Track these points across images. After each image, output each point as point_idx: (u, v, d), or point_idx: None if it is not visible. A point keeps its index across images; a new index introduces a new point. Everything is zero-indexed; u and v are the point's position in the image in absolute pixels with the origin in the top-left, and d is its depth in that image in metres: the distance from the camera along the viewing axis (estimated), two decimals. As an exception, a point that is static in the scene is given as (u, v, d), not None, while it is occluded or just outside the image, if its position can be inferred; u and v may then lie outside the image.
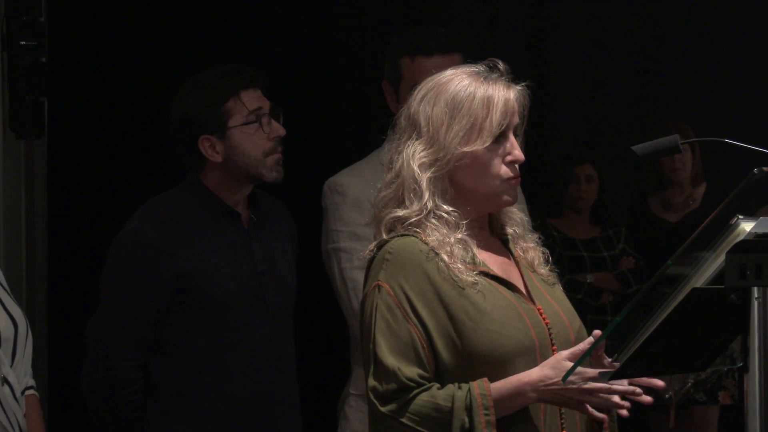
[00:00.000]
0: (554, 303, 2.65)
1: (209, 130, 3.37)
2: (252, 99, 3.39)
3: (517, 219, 2.73)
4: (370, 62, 4.03)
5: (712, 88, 6.45)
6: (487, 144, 2.55)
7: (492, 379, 2.49)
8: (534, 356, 2.54)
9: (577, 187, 6.05)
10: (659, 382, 2.58)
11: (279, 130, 3.43)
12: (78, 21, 5.56)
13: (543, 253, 2.75)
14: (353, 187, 3.51)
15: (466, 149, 2.54)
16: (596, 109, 6.60)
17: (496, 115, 2.55)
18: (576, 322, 2.67)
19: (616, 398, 2.52)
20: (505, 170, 2.58)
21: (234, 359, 3.36)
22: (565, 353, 2.48)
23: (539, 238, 2.77)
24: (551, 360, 2.51)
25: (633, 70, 6.55)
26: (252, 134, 3.39)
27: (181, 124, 3.40)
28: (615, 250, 6.02)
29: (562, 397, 2.49)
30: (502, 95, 2.57)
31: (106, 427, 3.44)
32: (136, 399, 3.36)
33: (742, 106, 6.42)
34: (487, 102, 2.55)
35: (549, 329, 2.58)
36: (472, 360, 2.50)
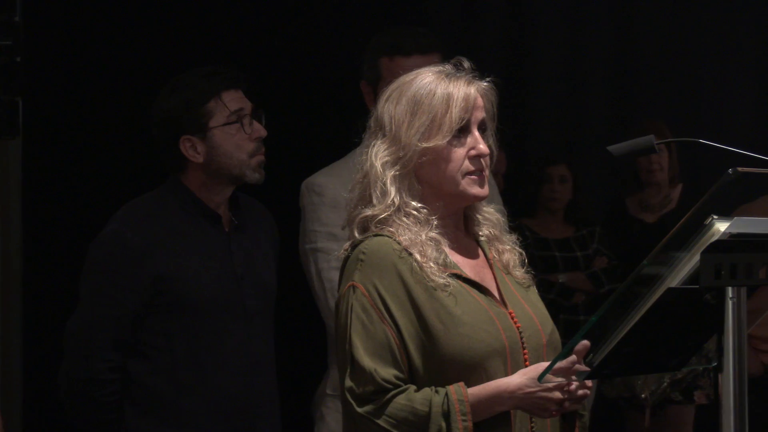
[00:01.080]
0: (527, 306, 2.66)
1: (190, 131, 3.36)
2: (233, 100, 3.39)
3: (493, 220, 2.73)
4: (350, 62, 4.03)
5: (688, 88, 6.48)
6: (447, 139, 2.56)
7: (463, 382, 2.50)
8: (504, 360, 2.54)
9: (551, 188, 6.07)
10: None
11: (260, 131, 3.43)
12: (54, 20, 5.54)
13: (519, 254, 2.75)
14: (331, 187, 3.51)
15: (426, 145, 2.56)
16: (574, 110, 6.62)
17: (455, 110, 2.56)
18: (548, 325, 2.67)
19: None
20: (467, 164, 2.59)
21: (211, 362, 3.36)
22: (545, 364, 2.49)
23: (516, 240, 2.78)
24: (531, 368, 2.51)
25: (610, 71, 6.57)
26: (233, 135, 3.38)
27: (161, 124, 3.39)
28: (588, 250, 6.03)
29: (539, 404, 2.50)
30: (463, 91, 2.58)
31: (83, 428, 3.43)
32: (114, 400, 3.35)
33: (718, 107, 6.44)
34: (447, 98, 2.56)
35: (520, 333, 2.59)
36: (443, 363, 2.51)
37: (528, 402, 2.49)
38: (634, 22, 6.56)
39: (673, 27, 6.48)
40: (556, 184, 6.07)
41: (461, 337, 2.51)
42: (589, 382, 2.53)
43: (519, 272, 2.73)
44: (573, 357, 2.41)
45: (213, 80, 3.38)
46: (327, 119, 5.82)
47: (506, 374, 2.53)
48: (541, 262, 5.91)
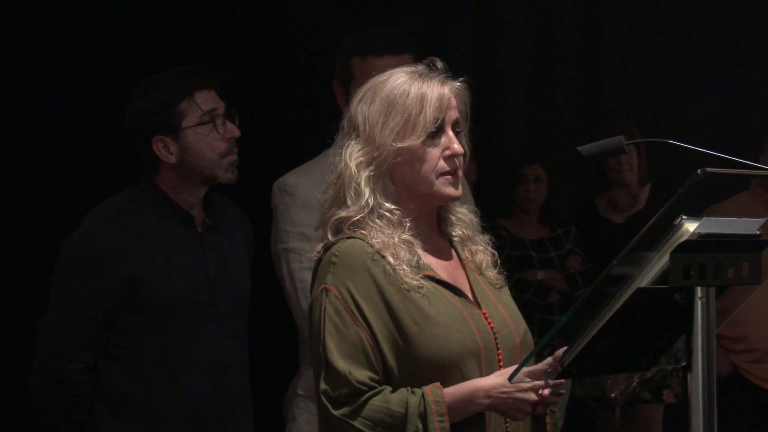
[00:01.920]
0: (500, 307, 2.67)
1: (163, 131, 3.36)
2: (206, 100, 3.38)
3: (466, 220, 2.74)
4: (322, 63, 4.03)
5: (656, 89, 6.51)
6: (422, 139, 2.56)
7: (439, 383, 2.50)
8: (479, 361, 2.55)
9: (526, 188, 6.08)
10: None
11: (234, 131, 3.42)
12: (25, 18, 5.52)
13: (492, 255, 2.76)
14: (302, 187, 3.51)
15: (401, 145, 2.56)
16: (544, 111, 6.64)
17: (429, 111, 2.56)
18: (521, 326, 2.68)
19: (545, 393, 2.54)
20: (442, 164, 2.59)
21: (183, 363, 3.35)
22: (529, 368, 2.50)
23: (489, 240, 2.79)
24: (506, 370, 2.52)
25: (579, 72, 6.59)
26: (206, 135, 3.38)
27: (134, 125, 3.39)
28: (563, 250, 6.04)
29: (513, 405, 2.51)
30: (437, 91, 2.58)
31: (53, 429, 3.42)
32: (84, 401, 3.34)
33: (686, 108, 6.48)
34: (421, 98, 2.56)
35: (494, 334, 2.60)
36: (417, 364, 2.51)
37: (503, 402, 2.50)
38: (602, 24, 6.58)
39: (641, 28, 6.51)
40: (531, 184, 6.08)
41: (436, 338, 2.51)
42: (564, 384, 2.55)
43: (491, 273, 2.73)
44: (549, 359, 2.43)
45: (186, 80, 3.38)
46: (299, 119, 5.83)
47: (481, 375, 2.54)
48: (518, 260, 5.92)
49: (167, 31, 5.66)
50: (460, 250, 2.71)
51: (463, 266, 2.70)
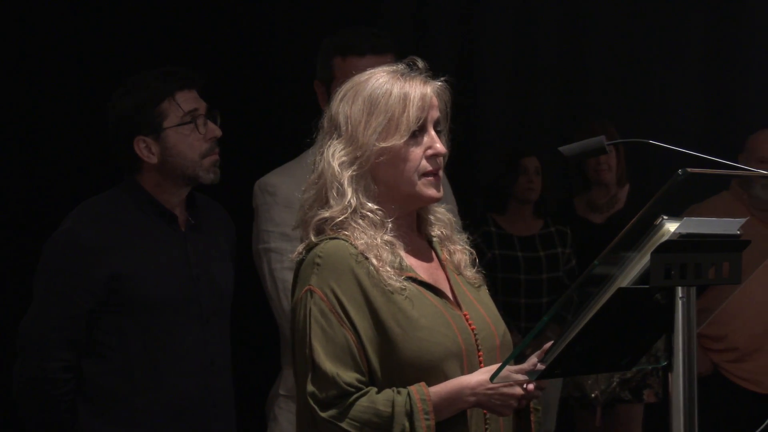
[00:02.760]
0: (480, 308, 2.67)
1: (144, 131, 3.36)
2: (187, 100, 3.38)
3: (444, 220, 2.74)
4: (304, 62, 4.03)
5: (637, 89, 6.52)
6: (405, 138, 2.56)
7: (424, 382, 2.51)
8: (461, 362, 2.56)
9: (528, 178, 6.00)
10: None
11: (215, 131, 3.42)
12: (5, 18, 5.50)
13: (470, 254, 2.77)
14: (284, 187, 3.51)
15: (384, 145, 2.56)
16: (524, 111, 6.64)
17: (412, 110, 2.56)
18: (501, 326, 2.69)
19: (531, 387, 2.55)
20: (425, 164, 2.59)
21: (166, 362, 3.35)
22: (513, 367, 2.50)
23: (467, 239, 2.79)
24: (491, 367, 2.52)
25: (560, 73, 6.60)
26: (187, 135, 3.38)
27: (116, 125, 3.38)
28: (555, 250, 6.01)
29: (499, 401, 2.52)
30: (419, 90, 2.58)
31: (36, 428, 3.41)
32: (67, 399, 3.34)
33: (666, 108, 6.49)
34: (404, 98, 2.56)
35: (475, 335, 2.61)
36: (400, 366, 2.52)
37: (489, 399, 2.51)
38: (582, 25, 6.59)
39: (622, 29, 6.52)
40: (532, 175, 6.00)
41: (419, 341, 2.52)
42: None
43: (470, 272, 2.74)
44: (534, 360, 2.43)
45: (167, 81, 3.37)
46: (281, 119, 5.82)
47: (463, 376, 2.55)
48: (502, 262, 5.86)
49: (149, 30, 5.65)
50: (439, 251, 2.72)
51: (443, 267, 2.70)
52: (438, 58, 6.18)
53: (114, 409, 3.34)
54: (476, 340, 2.60)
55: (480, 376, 2.52)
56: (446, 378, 2.53)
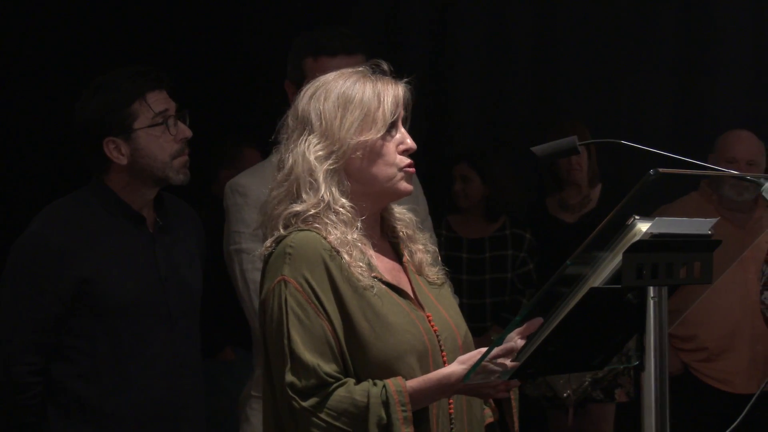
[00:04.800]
0: (441, 308, 2.69)
1: (114, 132, 3.33)
2: (158, 101, 3.36)
3: (406, 219, 2.76)
4: (275, 62, 4.02)
5: (608, 90, 6.55)
6: (382, 132, 2.60)
7: (401, 376, 2.52)
8: (427, 362, 2.57)
9: (456, 187, 6.05)
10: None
11: (185, 131, 3.41)
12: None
13: (433, 252, 2.79)
14: (254, 188, 3.49)
15: (361, 139, 2.58)
16: (496, 112, 6.66)
17: (387, 105, 2.60)
18: (462, 326, 2.72)
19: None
20: (400, 158, 2.63)
21: (135, 365, 3.34)
22: (483, 349, 2.50)
23: (430, 237, 2.81)
24: (468, 356, 2.53)
25: (532, 74, 6.62)
26: (158, 136, 3.36)
27: (85, 125, 3.36)
28: (505, 252, 6.02)
29: (476, 388, 2.54)
30: (391, 88, 2.63)
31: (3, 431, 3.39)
32: (35, 403, 3.32)
33: (637, 109, 6.52)
34: (378, 94, 2.61)
35: (438, 336, 2.62)
36: (368, 362, 2.52)
37: (468, 388, 2.53)
38: (555, 26, 6.61)
39: (594, 30, 6.54)
40: (458, 183, 6.04)
41: (387, 338, 2.53)
42: None
43: (432, 271, 2.76)
44: (511, 344, 2.43)
45: (137, 81, 3.35)
46: (251, 119, 5.81)
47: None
48: (445, 262, 5.86)
49: (117, 29, 5.63)
50: (401, 252, 2.73)
51: (404, 268, 2.72)
52: (410, 58, 6.19)
53: (83, 412, 3.32)
54: (439, 341, 2.62)
55: (455, 365, 2.52)
56: (413, 375, 2.54)
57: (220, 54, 5.93)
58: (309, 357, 2.49)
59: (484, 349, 2.46)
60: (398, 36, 6.43)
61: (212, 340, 4.70)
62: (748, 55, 6.46)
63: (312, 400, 2.48)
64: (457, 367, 2.52)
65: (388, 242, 2.74)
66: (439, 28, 6.57)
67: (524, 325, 2.39)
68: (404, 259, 2.72)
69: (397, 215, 2.75)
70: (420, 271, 2.74)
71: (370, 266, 2.59)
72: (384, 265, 2.66)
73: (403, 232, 2.74)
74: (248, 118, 5.85)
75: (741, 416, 2.43)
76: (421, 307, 2.65)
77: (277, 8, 6.06)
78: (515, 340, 2.41)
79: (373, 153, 2.60)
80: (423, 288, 2.70)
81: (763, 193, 2.37)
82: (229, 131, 5.79)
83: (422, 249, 2.76)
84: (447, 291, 2.78)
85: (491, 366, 2.46)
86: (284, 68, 3.61)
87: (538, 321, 2.38)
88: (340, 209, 2.57)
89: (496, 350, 2.42)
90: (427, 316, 2.63)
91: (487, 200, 6.03)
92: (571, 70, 6.56)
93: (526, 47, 6.61)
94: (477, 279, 5.93)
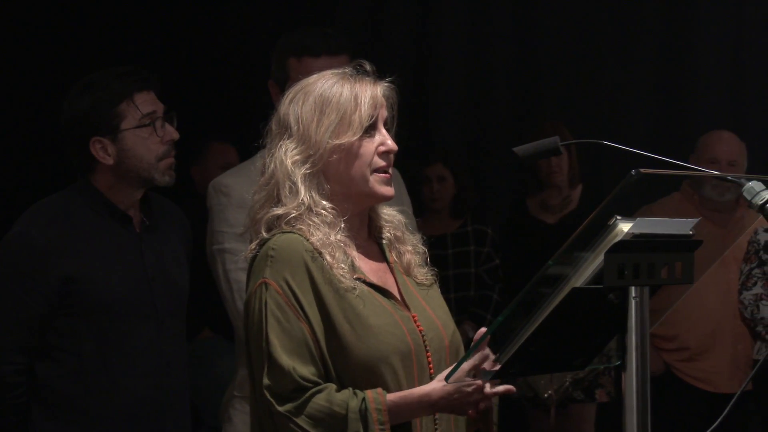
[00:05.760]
0: (429, 309, 2.69)
1: (101, 132, 3.33)
2: (146, 102, 3.36)
3: (394, 221, 2.76)
4: (260, 63, 4.02)
5: (589, 91, 6.56)
6: (358, 135, 2.59)
7: (369, 384, 2.52)
8: (410, 361, 2.57)
9: (430, 188, 6.08)
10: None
11: (172, 133, 3.40)
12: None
13: (423, 253, 2.78)
14: (238, 188, 3.49)
15: (337, 142, 2.58)
16: (478, 111, 6.67)
17: (364, 108, 2.60)
18: (450, 326, 2.71)
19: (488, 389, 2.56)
20: (377, 160, 2.62)
21: (121, 364, 3.33)
22: (464, 369, 2.51)
23: (421, 239, 2.80)
24: (443, 374, 2.52)
25: (514, 74, 6.63)
26: (145, 138, 3.35)
27: (72, 125, 3.35)
28: (467, 248, 6.04)
29: (458, 399, 2.53)
30: (369, 90, 2.62)
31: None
32: (19, 403, 3.31)
33: (618, 109, 6.54)
34: (355, 96, 2.60)
35: (423, 336, 2.62)
36: (349, 363, 2.52)
37: (448, 401, 2.52)
38: (536, 26, 6.63)
39: (575, 31, 6.56)
40: (435, 183, 6.08)
41: (368, 339, 2.53)
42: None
43: (421, 272, 2.75)
44: (485, 351, 2.44)
45: (125, 82, 3.34)
46: (236, 120, 5.80)
47: (412, 376, 2.57)
48: None
49: (103, 29, 5.62)
50: (387, 253, 2.73)
51: (391, 269, 2.71)
52: (393, 58, 6.19)
53: (68, 412, 3.32)
54: (424, 341, 2.61)
55: (435, 383, 2.53)
56: (395, 378, 2.54)
57: (204, 54, 5.92)
58: (286, 360, 2.49)
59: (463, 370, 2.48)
60: (380, 36, 6.43)
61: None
62: (729, 56, 6.49)
63: (289, 405, 2.49)
64: (436, 384, 2.53)
65: (376, 243, 2.74)
66: (421, 28, 6.58)
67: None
68: (391, 260, 2.72)
69: (386, 216, 2.75)
70: (408, 272, 2.73)
71: (354, 267, 2.59)
72: (369, 266, 2.66)
73: (390, 233, 2.74)
74: (231, 118, 5.84)
75: (722, 416, 2.44)
76: (406, 307, 2.65)
77: (262, 8, 6.05)
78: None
79: (351, 156, 2.60)
80: (410, 288, 2.70)
81: (744, 194, 2.38)
82: (197, 127, 5.79)
83: (411, 250, 2.76)
84: (436, 291, 2.77)
85: (469, 381, 2.48)
86: (266, 66, 3.61)
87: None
88: (322, 211, 2.57)
89: (468, 363, 2.46)
90: (413, 317, 2.63)
91: (455, 199, 6.07)
92: (552, 70, 6.58)
93: (507, 48, 6.62)
94: (440, 275, 5.94)
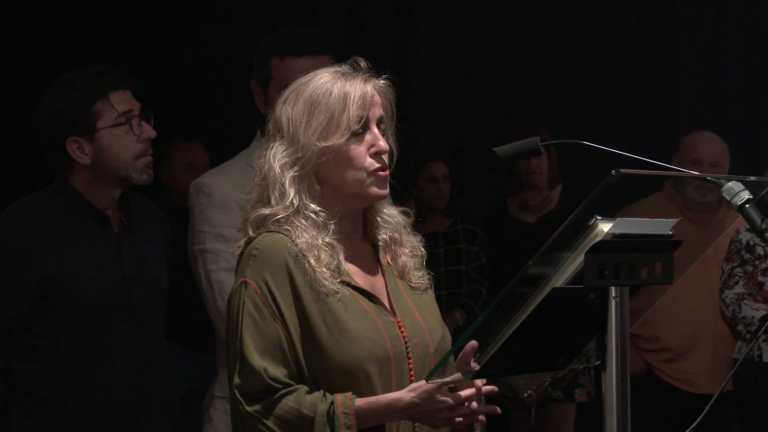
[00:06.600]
0: (417, 314, 2.67)
1: (77, 132, 3.32)
2: (121, 101, 3.35)
3: (393, 222, 2.73)
4: (240, 62, 4.01)
5: (570, 91, 6.58)
6: (346, 137, 2.56)
7: (345, 388, 2.51)
8: (389, 369, 2.56)
9: (436, 186, 6.07)
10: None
11: (149, 132, 3.40)
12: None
13: (421, 256, 2.76)
14: (219, 188, 3.49)
15: (325, 144, 2.55)
16: (458, 111, 6.68)
17: (353, 109, 2.56)
18: (438, 332, 2.68)
19: (474, 405, 2.54)
20: (370, 162, 2.59)
21: (98, 365, 3.32)
22: (439, 381, 2.50)
23: (420, 241, 2.78)
24: (419, 385, 2.50)
25: (494, 74, 6.64)
26: (122, 136, 3.35)
27: (48, 125, 3.34)
28: (458, 246, 6.05)
29: (429, 418, 2.52)
30: (360, 89, 2.58)
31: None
32: (-3, 403, 3.30)
33: (599, 109, 6.55)
34: (344, 96, 2.57)
35: (406, 342, 2.60)
36: (326, 368, 2.51)
37: (420, 412, 2.50)
38: (516, 26, 6.64)
39: (555, 31, 6.57)
40: (440, 182, 6.08)
41: (345, 344, 2.51)
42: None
43: (415, 276, 2.73)
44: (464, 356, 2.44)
45: (100, 80, 3.34)
46: (217, 119, 5.80)
47: (390, 383, 2.55)
48: None
49: (79, 28, 5.60)
50: (381, 256, 2.70)
51: (383, 272, 2.69)
52: (373, 57, 6.17)
53: (45, 412, 3.31)
54: (407, 348, 2.59)
55: (406, 391, 2.51)
56: (371, 384, 2.52)
57: (185, 53, 5.91)
58: (257, 360, 2.48)
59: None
60: (361, 35, 6.43)
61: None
62: (709, 56, 6.51)
63: (257, 406, 2.48)
64: (406, 394, 2.50)
65: (371, 245, 2.72)
66: (401, 27, 6.58)
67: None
68: (383, 262, 2.69)
69: (385, 217, 2.72)
70: (402, 275, 2.71)
71: (340, 270, 2.57)
72: (358, 269, 2.64)
73: (387, 234, 2.71)
74: (213, 118, 5.83)
75: (701, 416, 2.45)
76: (392, 312, 2.63)
77: (243, 7, 6.04)
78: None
79: (340, 157, 2.57)
80: (401, 292, 2.68)
81: (723, 194, 2.39)
82: (193, 131, 5.78)
83: (408, 253, 2.73)
84: (429, 296, 2.75)
85: (443, 393, 2.48)
86: (250, 68, 3.61)
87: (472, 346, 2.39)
88: (311, 214, 2.56)
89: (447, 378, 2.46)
90: (398, 322, 2.61)
91: (450, 197, 6.08)
92: (532, 71, 6.59)
93: (488, 49, 6.63)
94: (433, 272, 5.95)
